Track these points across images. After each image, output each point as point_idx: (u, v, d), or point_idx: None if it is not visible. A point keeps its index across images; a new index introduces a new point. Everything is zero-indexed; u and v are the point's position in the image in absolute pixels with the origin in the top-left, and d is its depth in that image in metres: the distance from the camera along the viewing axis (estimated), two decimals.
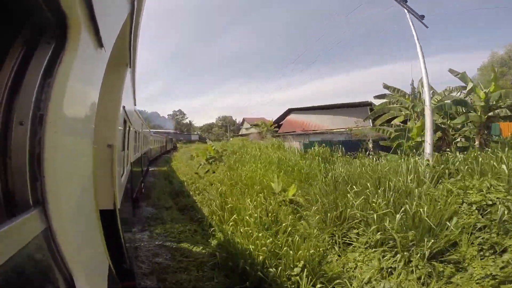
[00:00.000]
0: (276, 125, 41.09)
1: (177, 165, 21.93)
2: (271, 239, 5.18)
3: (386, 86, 15.23)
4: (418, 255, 4.17)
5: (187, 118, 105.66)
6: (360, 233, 5.32)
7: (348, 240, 5.33)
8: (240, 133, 63.31)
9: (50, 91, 0.86)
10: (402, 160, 8.19)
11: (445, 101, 13.28)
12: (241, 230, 5.71)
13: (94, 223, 1.45)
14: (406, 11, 9.93)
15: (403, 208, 5.09)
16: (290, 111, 39.13)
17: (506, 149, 7.37)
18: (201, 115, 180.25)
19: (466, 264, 4.10)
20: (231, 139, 62.42)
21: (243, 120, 64.95)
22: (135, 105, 6.71)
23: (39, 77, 0.86)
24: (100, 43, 1.24)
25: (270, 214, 6.41)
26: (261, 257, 4.64)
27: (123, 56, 3.05)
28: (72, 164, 1.10)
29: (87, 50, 1.11)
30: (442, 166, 7.10)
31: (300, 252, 4.69)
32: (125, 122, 4.18)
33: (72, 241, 0.98)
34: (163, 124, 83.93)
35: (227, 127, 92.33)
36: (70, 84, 0.95)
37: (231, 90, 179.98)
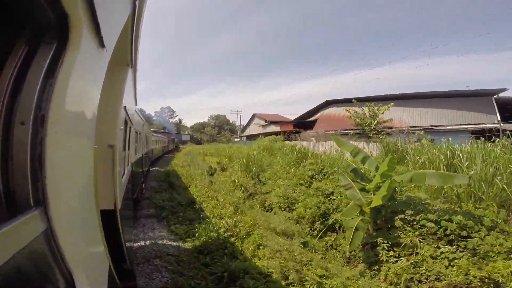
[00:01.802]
0: (306, 121, 32.85)
1: (205, 199, 9.22)
2: None
3: None
4: None
5: (176, 116, 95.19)
6: None
7: None
8: (249, 133, 52.88)
9: (52, 91, 0.86)
10: None
11: None
12: None
13: (95, 223, 1.45)
14: None
15: None
16: (328, 103, 30.91)
17: None
18: (189, 115, 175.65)
19: None
20: (236, 139, 54.90)
21: (253, 116, 54.81)
22: (136, 105, 6.71)
23: (40, 77, 0.86)
24: (101, 43, 1.24)
25: None
26: None
27: (125, 56, 3.06)
28: (73, 164, 1.10)
29: (89, 50, 1.11)
30: None
31: None
32: (126, 122, 4.18)
33: (72, 242, 0.98)
34: (151, 121, 74.61)
35: (222, 126, 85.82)
36: (71, 84, 0.95)
37: (220, 90, 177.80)
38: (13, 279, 0.69)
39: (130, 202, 5.62)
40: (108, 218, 2.91)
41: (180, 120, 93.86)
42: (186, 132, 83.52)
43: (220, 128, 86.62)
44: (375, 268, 4.69)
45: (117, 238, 3.11)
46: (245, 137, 52.14)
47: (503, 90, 21.96)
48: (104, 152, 2.99)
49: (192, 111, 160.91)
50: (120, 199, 3.30)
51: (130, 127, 4.90)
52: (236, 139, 58.53)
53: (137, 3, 2.11)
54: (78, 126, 1.14)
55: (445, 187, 6.09)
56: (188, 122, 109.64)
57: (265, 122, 46.46)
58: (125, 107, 3.68)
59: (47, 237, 0.84)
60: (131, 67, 3.53)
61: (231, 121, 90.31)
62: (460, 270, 4.01)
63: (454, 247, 4.51)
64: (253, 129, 53.45)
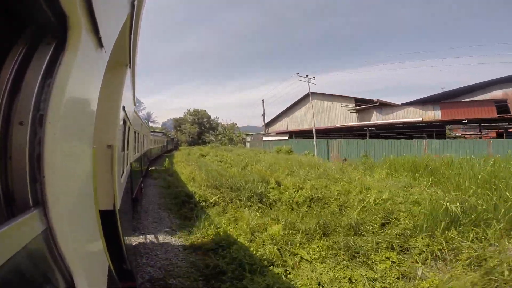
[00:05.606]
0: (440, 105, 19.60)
1: None
2: None
3: None
4: None
5: (144, 108, 73.50)
6: None
7: None
8: (287, 129, 33.28)
9: (50, 91, 0.86)
10: None
11: None
12: None
13: (94, 223, 1.45)
14: None
15: None
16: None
17: None
18: (156, 114, 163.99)
19: None
20: (267, 138, 35.24)
21: (309, 95, 28.83)
22: (134, 105, 6.71)
23: (39, 77, 0.86)
24: (100, 44, 1.24)
25: None
26: None
27: (123, 56, 3.05)
28: (72, 164, 1.10)
29: (87, 50, 1.11)
30: None
31: None
32: (124, 122, 4.17)
33: (72, 242, 0.98)
34: None
35: (203, 123, 69.98)
36: (70, 84, 0.95)
37: (187, 91, 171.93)
38: (13, 280, 0.69)
39: (129, 202, 5.62)
40: (107, 218, 2.91)
41: (149, 114, 73.44)
42: (157, 131, 60.84)
43: (201, 126, 70.53)
44: None
45: (117, 238, 3.11)
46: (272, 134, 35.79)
47: None
48: (103, 152, 2.99)
49: (160, 110, 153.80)
50: (119, 199, 3.30)
51: (128, 127, 4.89)
52: (265, 138, 38.73)
53: (135, 3, 2.11)
54: (77, 126, 1.14)
55: None
56: (159, 119, 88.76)
57: (369, 104, 22.93)
58: (123, 107, 3.67)
59: (46, 237, 0.84)
60: (130, 67, 3.52)
61: (212, 118, 74.69)
62: None
63: None
64: (294, 121, 34.86)
